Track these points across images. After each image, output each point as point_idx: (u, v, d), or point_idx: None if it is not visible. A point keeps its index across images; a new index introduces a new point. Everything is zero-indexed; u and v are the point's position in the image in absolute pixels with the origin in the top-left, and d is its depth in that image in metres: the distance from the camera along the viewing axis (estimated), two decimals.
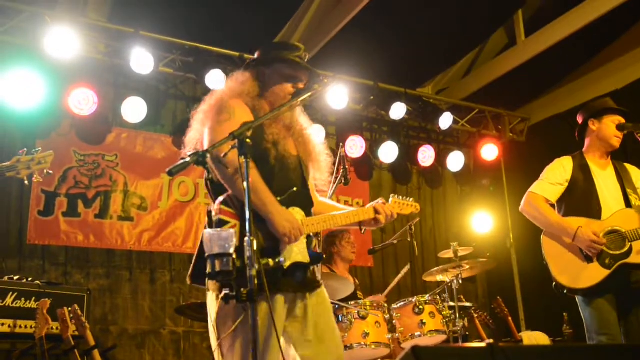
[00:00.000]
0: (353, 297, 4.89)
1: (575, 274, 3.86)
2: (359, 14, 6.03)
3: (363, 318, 4.41)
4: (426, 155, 7.62)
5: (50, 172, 3.67)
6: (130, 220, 6.17)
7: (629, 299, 3.82)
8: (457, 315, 4.73)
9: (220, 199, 2.66)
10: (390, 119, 7.24)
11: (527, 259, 7.37)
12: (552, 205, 4.10)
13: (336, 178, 4.20)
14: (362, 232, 3.27)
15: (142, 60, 5.85)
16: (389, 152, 7.29)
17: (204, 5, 6.01)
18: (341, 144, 4.49)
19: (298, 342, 2.78)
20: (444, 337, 4.59)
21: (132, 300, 6.01)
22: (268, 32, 6.73)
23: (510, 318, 5.94)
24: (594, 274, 3.80)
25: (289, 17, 6.57)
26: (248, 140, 2.48)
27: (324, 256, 3.10)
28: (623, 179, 4.03)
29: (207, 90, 6.39)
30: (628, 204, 3.92)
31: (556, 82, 7.68)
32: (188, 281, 2.80)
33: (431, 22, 6.50)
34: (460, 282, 4.97)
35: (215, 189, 2.76)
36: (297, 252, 2.73)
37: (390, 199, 3.29)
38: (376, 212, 3.09)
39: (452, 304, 4.85)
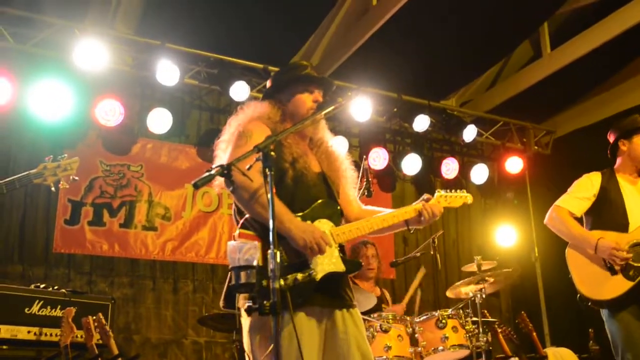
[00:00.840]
0: (377, 310, 4.87)
1: (599, 285, 3.89)
2: (382, 26, 6.04)
3: (385, 331, 4.39)
4: (450, 168, 7.58)
5: (77, 178, 3.71)
6: (154, 230, 6.23)
7: None
8: (481, 330, 4.68)
9: (240, 222, 2.70)
10: (414, 131, 7.22)
11: (553, 273, 7.27)
12: (579, 219, 4.11)
13: (359, 190, 4.20)
14: (411, 231, 3.15)
15: (167, 72, 5.93)
16: (412, 164, 7.27)
17: (228, 17, 6.07)
18: (364, 156, 4.49)
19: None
20: (466, 352, 4.54)
21: (155, 309, 6.05)
22: (292, 45, 6.78)
23: (534, 333, 5.85)
24: (618, 285, 3.81)
25: (313, 29, 6.61)
26: (272, 153, 2.50)
27: (362, 264, 3.06)
28: None
29: (231, 102, 6.50)
30: None
31: (582, 95, 7.61)
32: (221, 304, 2.81)
33: (455, 34, 6.49)
34: (484, 296, 4.91)
35: (239, 210, 2.80)
36: (328, 263, 2.71)
37: (436, 194, 3.19)
38: (419, 211, 3.03)
39: (475, 318, 4.80)
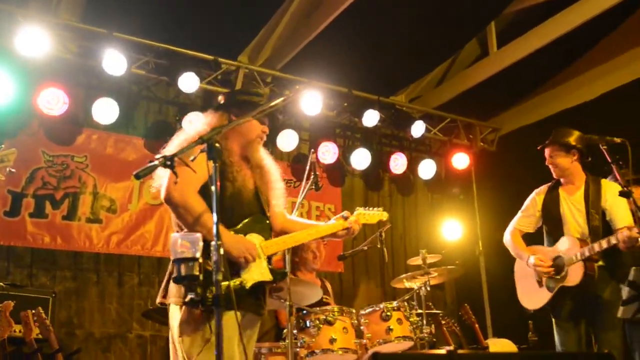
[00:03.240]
0: (320, 302, 4.90)
1: (531, 296, 4.36)
2: (333, 21, 6.07)
3: (331, 324, 4.42)
4: (398, 163, 7.68)
5: (13, 170, 3.60)
6: (98, 223, 6.10)
7: (588, 320, 4.18)
8: (425, 322, 4.77)
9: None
10: (363, 126, 7.28)
11: (495, 266, 7.45)
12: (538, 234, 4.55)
13: (307, 184, 4.21)
14: (324, 241, 3.43)
15: (114, 61, 5.80)
16: (361, 158, 7.33)
17: (178, 8, 5.98)
18: (312, 150, 4.50)
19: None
20: (411, 343, 4.61)
21: (99, 303, 5.93)
22: (243, 37, 6.73)
23: (477, 325, 6.00)
24: (543, 296, 4.25)
25: (265, 22, 6.57)
26: (217, 145, 2.51)
27: (287, 272, 3.29)
28: (590, 201, 4.23)
29: (180, 93, 6.42)
30: (590, 224, 4.17)
31: (526, 93, 7.81)
32: (159, 301, 3.08)
33: (405, 31, 6.56)
34: (428, 289, 5.01)
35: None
36: (257, 273, 2.97)
37: (355, 212, 3.49)
38: (346, 228, 3.35)
39: (420, 310, 4.89)
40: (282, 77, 6.85)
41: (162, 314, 5.16)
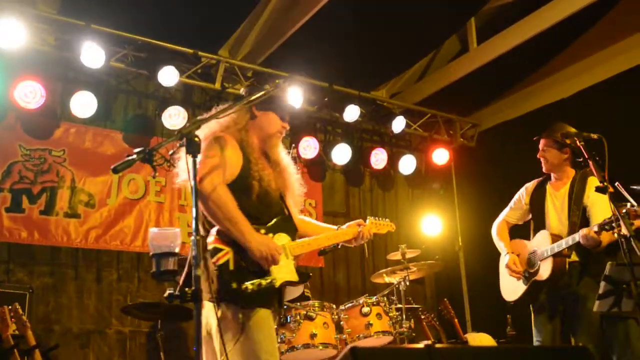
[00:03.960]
0: (301, 297, 4.91)
1: (510, 287, 4.45)
2: (314, 15, 6.05)
3: (311, 319, 4.43)
4: (379, 158, 7.70)
5: None
6: (77, 217, 6.03)
7: (563, 314, 4.25)
8: (404, 316, 4.80)
9: (215, 229, 2.92)
10: (344, 121, 7.29)
11: (475, 262, 7.52)
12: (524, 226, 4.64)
13: None
14: (338, 246, 3.52)
15: (92, 54, 5.73)
16: (342, 153, 7.34)
17: (158, 0, 5.93)
18: (293, 145, 4.50)
19: None
20: (390, 338, 4.65)
21: (77, 299, 5.88)
22: (224, 31, 6.69)
23: (456, 320, 6.04)
24: (518, 288, 4.36)
25: (245, 15, 6.54)
26: (196, 139, 2.49)
27: (311, 275, 3.33)
28: (574, 197, 4.29)
29: (159, 87, 6.37)
30: (570, 220, 4.24)
31: (505, 89, 7.86)
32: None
33: (386, 26, 6.57)
34: (408, 283, 5.04)
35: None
36: (285, 273, 3.00)
37: (368, 220, 3.57)
38: (359, 234, 3.43)
39: (399, 305, 4.91)
40: (262, 72, 6.82)
41: (141, 309, 5.16)
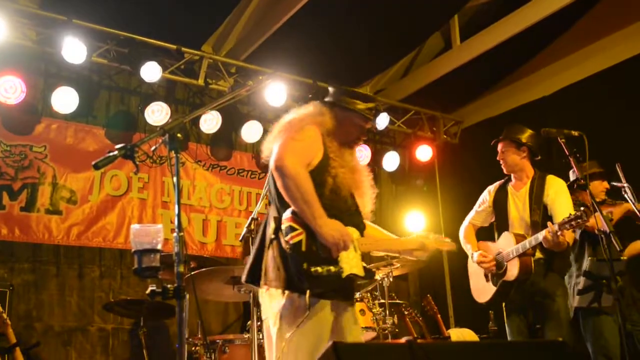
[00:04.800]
0: None
1: (480, 290, 4.52)
2: (298, 12, 6.04)
3: None
4: (362, 155, 7.70)
5: None
6: (58, 214, 5.99)
7: (532, 311, 4.33)
8: (388, 312, 4.82)
9: (290, 210, 2.92)
10: None
11: (458, 258, 7.51)
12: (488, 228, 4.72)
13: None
14: (399, 257, 3.47)
15: (74, 49, 5.67)
16: None
17: None
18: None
19: None
20: (373, 334, 4.66)
21: (59, 296, 5.83)
22: (207, 26, 6.66)
23: (439, 315, 6.08)
24: (489, 290, 4.42)
25: (229, 11, 6.52)
26: (179, 135, 2.48)
27: (375, 272, 3.39)
28: (533, 197, 4.38)
29: (142, 82, 6.32)
30: (531, 219, 4.32)
31: (489, 87, 7.92)
32: (243, 279, 3.17)
33: (370, 23, 6.58)
34: (391, 280, 5.06)
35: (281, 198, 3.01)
36: (354, 265, 2.96)
37: (431, 236, 3.51)
38: (422, 245, 3.38)
39: (383, 301, 4.93)
40: (246, 68, 6.80)
41: (123, 306, 5.13)
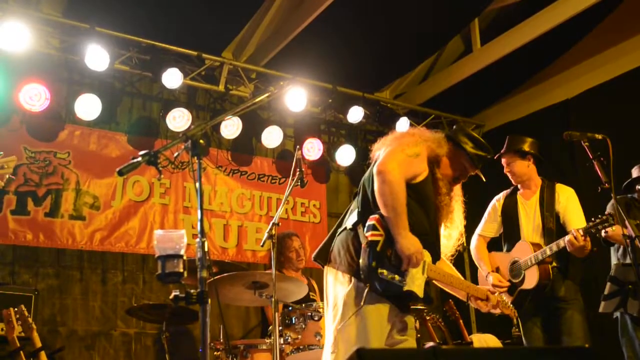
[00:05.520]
0: (307, 298, 4.91)
1: None
2: (318, 17, 6.06)
3: (316, 320, 4.43)
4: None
5: (13, 177, 3.70)
6: (82, 220, 6.05)
7: (548, 318, 4.35)
8: None
9: (379, 212, 3.07)
10: (348, 122, 7.28)
11: None
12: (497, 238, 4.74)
13: (292, 180, 4.23)
14: (467, 302, 3.61)
15: (97, 56, 5.74)
16: (346, 155, 7.33)
17: (161, 3, 5.94)
18: (297, 147, 4.50)
19: None
20: None
21: (82, 301, 5.89)
22: (227, 33, 6.70)
23: (461, 321, 6.04)
24: (504, 300, 4.31)
25: (249, 17, 6.55)
26: (202, 141, 2.50)
27: (435, 300, 3.60)
28: (545, 204, 4.41)
29: (163, 89, 6.38)
30: (545, 227, 4.35)
31: (510, 90, 7.85)
32: (312, 257, 3.41)
33: (389, 27, 6.57)
34: None
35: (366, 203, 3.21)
36: (417, 285, 3.07)
37: (498, 297, 3.63)
38: (487, 297, 3.51)
39: None
40: (266, 73, 6.82)
41: (146, 311, 5.16)
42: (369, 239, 2.98)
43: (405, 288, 3.01)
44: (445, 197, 3.29)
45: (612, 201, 4.25)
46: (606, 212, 3.99)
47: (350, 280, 3.06)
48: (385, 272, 2.96)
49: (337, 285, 3.13)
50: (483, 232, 4.76)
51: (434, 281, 3.36)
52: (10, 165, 3.79)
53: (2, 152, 3.72)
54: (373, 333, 3.02)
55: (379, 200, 3.05)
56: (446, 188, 3.31)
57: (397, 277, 2.99)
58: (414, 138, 3.30)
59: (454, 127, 3.56)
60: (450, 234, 3.43)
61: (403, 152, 3.16)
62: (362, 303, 3.01)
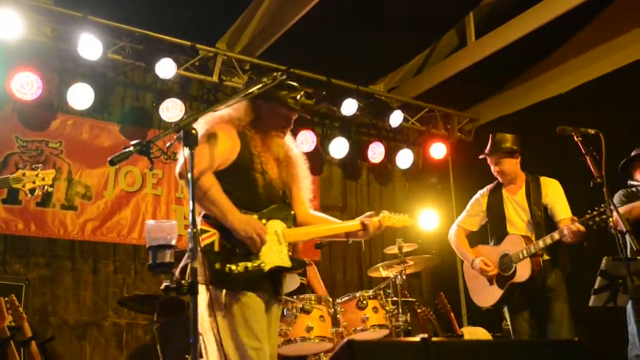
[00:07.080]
0: (299, 291, 4.91)
1: (483, 294, 4.57)
2: (313, 8, 6.03)
3: (307, 312, 4.43)
4: (376, 152, 7.70)
5: (51, 189, 3.79)
6: (73, 209, 6.03)
7: (535, 308, 4.36)
8: (400, 310, 4.80)
9: (203, 213, 2.96)
10: (342, 114, 7.28)
11: None
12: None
13: None
14: (349, 242, 3.46)
15: (89, 45, 5.70)
16: (339, 147, 7.34)
17: None
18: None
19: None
20: (386, 331, 4.65)
21: (74, 290, 5.88)
22: (221, 23, 6.67)
23: (452, 313, 6.06)
24: (494, 293, 4.45)
25: (243, 8, 6.52)
26: (193, 131, 2.50)
27: (306, 262, 3.30)
28: (531, 197, 4.45)
29: (156, 79, 6.35)
30: (534, 221, 4.38)
31: (504, 84, 7.86)
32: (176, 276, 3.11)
33: (384, 20, 6.56)
34: (404, 277, 5.04)
35: None
36: (277, 257, 2.97)
37: (381, 214, 3.52)
38: (363, 225, 3.31)
39: (395, 299, 4.92)
40: (260, 64, 6.80)
41: (137, 301, 5.15)
42: (202, 244, 2.80)
43: (267, 268, 2.91)
44: (273, 164, 3.11)
45: (618, 192, 4.33)
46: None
47: (208, 289, 2.85)
48: (232, 266, 2.85)
49: (200, 298, 2.84)
50: (463, 224, 4.81)
51: (300, 243, 3.25)
52: (49, 177, 3.97)
53: (41, 164, 3.84)
54: (248, 328, 2.87)
55: (199, 206, 2.89)
56: (272, 150, 3.14)
57: (249, 264, 2.87)
58: (206, 125, 3.01)
59: (243, 86, 3.34)
60: (300, 189, 3.29)
61: (201, 144, 2.88)
62: (223, 309, 2.85)
